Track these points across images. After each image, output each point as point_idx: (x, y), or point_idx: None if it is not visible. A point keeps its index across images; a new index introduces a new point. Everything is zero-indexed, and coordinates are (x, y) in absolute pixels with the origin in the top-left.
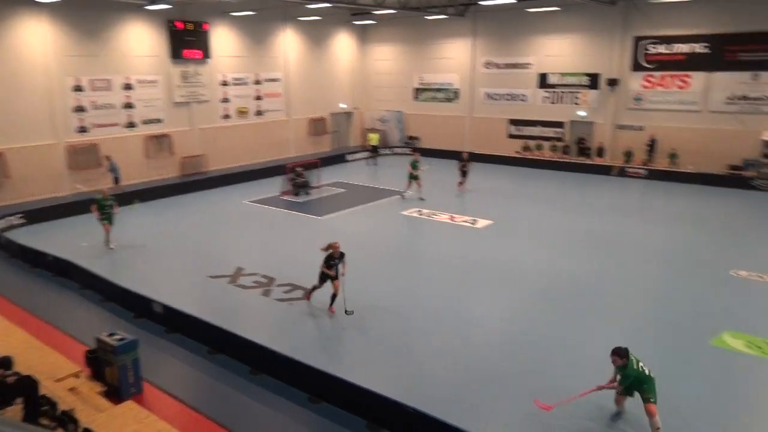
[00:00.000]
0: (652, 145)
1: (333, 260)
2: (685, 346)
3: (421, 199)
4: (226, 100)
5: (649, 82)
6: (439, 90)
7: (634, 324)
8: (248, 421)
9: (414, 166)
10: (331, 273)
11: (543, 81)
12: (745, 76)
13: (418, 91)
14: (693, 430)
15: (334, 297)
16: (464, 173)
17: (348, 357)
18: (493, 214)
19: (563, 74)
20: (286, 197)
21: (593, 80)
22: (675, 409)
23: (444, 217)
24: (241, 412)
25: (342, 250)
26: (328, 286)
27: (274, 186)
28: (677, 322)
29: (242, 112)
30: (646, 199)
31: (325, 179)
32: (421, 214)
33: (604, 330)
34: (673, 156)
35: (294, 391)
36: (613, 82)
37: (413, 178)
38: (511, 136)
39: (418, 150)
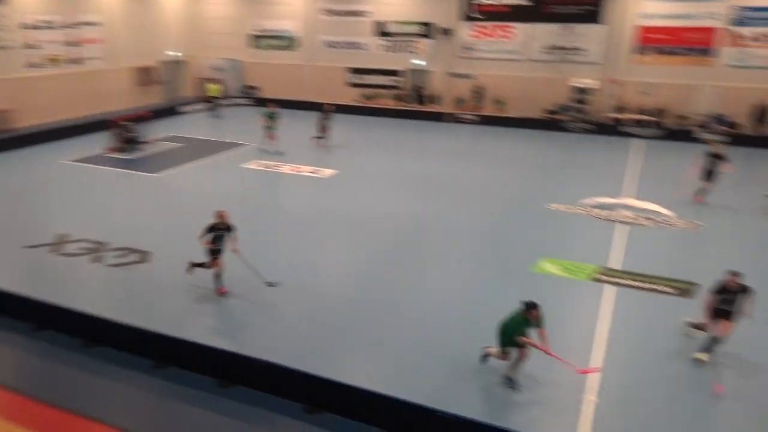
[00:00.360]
0: (479, 93)
1: (218, 232)
2: (509, 274)
3: (266, 151)
4: (33, 47)
5: (478, 32)
6: (276, 37)
7: (469, 259)
8: (85, 396)
9: (270, 117)
10: (215, 247)
11: (381, 29)
12: (559, 27)
13: (256, 38)
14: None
15: (218, 275)
16: (325, 127)
17: (193, 317)
18: (337, 163)
19: (399, 23)
20: (113, 154)
21: (427, 29)
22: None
23: (287, 169)
24: (76, 388)
25: (186, 207)
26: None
27: (100, 142)
28: (503, 254)
29: (55, 60)
30: (476, 143)
31: (159, 133)
32: (264, 167)
33: (444, 268)
34: (499, 102)
35: (136, 359)
36: (445, 32)
37: (270, 129)
38: (352, 85)
39: (273, 101)
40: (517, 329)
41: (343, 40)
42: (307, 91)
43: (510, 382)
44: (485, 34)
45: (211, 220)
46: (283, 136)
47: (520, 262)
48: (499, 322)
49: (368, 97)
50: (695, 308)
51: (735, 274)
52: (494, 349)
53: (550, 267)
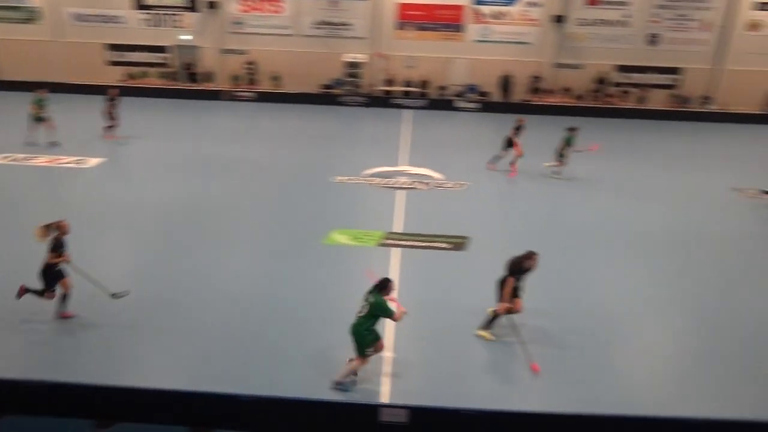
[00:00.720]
0: (253, 69)
1: (61, 246)
2: (301, 249)
3: (54, 144)
4: None
5: (246, 5)
6: (10, 8)
7: (261, 239)
8: None
9: (40, 104)
10: (63, 259)
11: (139, 2)
12: (326, 2)
13: None
14: (313, 316)
15: (65, 297)
16: (112, 114)
17: None
18: (103, 150)
19: None
20: None
21: (192, 2)
22: (300, 306)
23: (43, 161)
24: None
25: None
26: None
27: None
28: (294, 230)
29: None
30: (256, 120)
31: None
32: (12, 161)
33: (236, 251)
34: (275, 78)
35: None
36: (211, 5)
37: (39, 119)
38: (113, 63)
39: (43, 85)
40: (387, 311)
41: (96, 13)
42: (58, 72)
43: (343, 386)
44: (254, 8)
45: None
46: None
47: (312, 236)
48: (354, 325)
49: (134, 77)
50: (469, 260)
51: (532, 253)
52: (352, 362)
53: (340, 238)
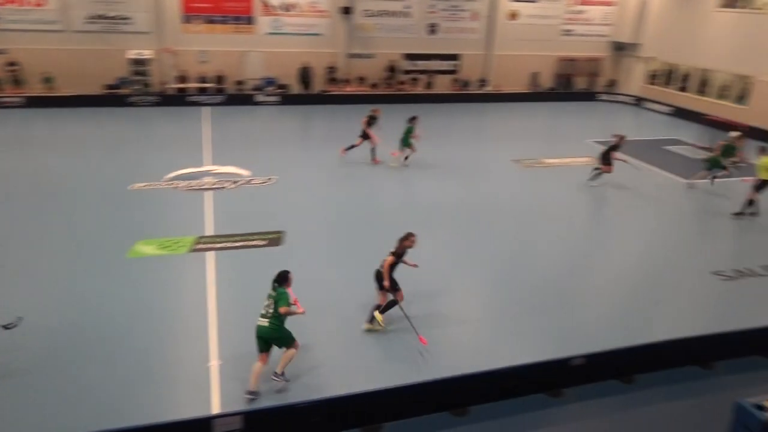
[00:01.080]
0: (16, 70)
1: None
2: (105, 267)
3: None
4: None
5: None
6: None
7: (58, 261)
8: None
9: None
10: None
11: None
12: None
13: None
14: (130, 336)
15: None
16: None
17: None
18: None
19: None
20: None
21: None
22: (113, 327)
23: None
24: None
25: None
26: None
27: None
28: (93, 248)
29: None
30: (28, 129)
31: None
32: None
33: (30, 280)
34: (48, 80)
35: None
36: None
37: None
38: None
39: None
40: (285, 303)
41: None
42: None
43: (283, 376)
44: (9, 0)
45: None
46: None
47: (114, 252)
48: (267, 327)
49: None
50: (287, 253)
51: (410, 234)
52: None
53: (146, 249)
